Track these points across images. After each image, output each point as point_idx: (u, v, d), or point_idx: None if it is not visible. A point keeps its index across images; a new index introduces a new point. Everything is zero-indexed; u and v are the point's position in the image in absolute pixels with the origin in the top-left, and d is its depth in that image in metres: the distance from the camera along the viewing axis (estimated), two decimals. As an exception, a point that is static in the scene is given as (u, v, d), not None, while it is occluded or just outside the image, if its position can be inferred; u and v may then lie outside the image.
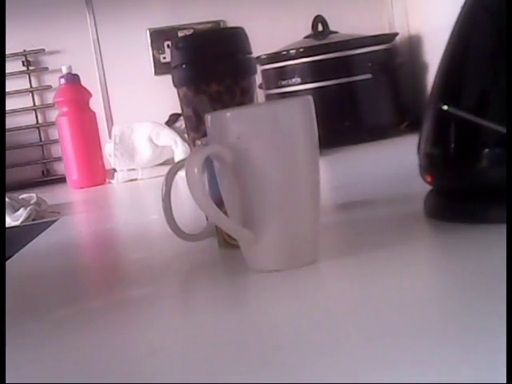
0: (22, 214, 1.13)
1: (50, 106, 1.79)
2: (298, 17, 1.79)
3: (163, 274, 0.63)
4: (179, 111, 0.72)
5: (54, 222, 1.08)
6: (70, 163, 1.56)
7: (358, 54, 1.59)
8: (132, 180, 1.54)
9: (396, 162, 1.16)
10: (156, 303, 0.54)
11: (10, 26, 1.73)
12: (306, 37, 1.69)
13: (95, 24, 1.81)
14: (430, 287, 0.49)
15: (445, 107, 0.61)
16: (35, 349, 0.48)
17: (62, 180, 1.70)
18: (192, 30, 1.79)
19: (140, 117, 1.60)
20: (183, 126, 1.43)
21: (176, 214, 0.62)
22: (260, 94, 1.43)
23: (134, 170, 1.55)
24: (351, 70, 1.59)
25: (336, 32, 1.68)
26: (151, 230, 0.88)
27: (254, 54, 0.75)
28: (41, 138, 1.83)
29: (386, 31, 1.81)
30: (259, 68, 1.62)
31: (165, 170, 0.65)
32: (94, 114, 1.58)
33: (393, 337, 0.39)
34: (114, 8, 1.80)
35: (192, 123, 0.69)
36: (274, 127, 0.54)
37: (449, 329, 0.40)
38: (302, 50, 1.60)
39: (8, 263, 0.80)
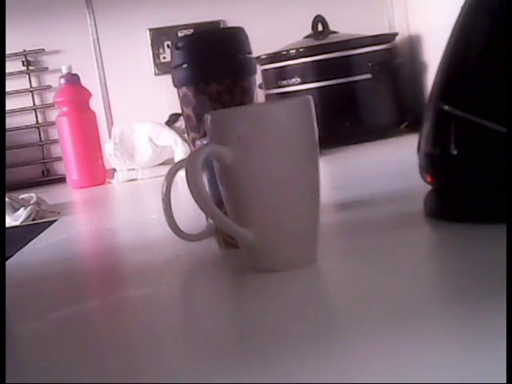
0: (22, 213, 1.13)
1: (50, 106, 1.79)
2: (298, 17, 1.79)
3: (163, 274, 0.63)
4: (179, 111, 0.72)
5: (53, 222, 1.08)
6: (69, 163, 1.56)
7: (357, 54, 1.59)
8: (132, 180, 1.54)
9: (396, 162, 1.16)
10: (156, 303, 0.54)
11: (10, 26, 1.73)
12: (306, 37, 1.69)
13: (95, 24, 1.81)
14: (430, 287, 0.49)
15: (445, 107, 0.62)
16: (35, 349, 0.48)
17: (62, 180, 1.70)
18: (192, 30, 1.79)
19: (140, 117, 1.60)
20: (183, 126, 1.43)
21: (176, 214, 0.62)
22: (260, 94, 1.43)
23: (133, 169, 1.55)
24: (351, 70, 1.59)
25: (336, 32, 1.68)
26: (151, 229, 0.88)
27: (254, 54, 0.75)
28: (41, 138, 1.83)
29: (386, 31, 1.81)
30: (259, 68, 1.62)
31: (165, 170, 0.65)
32: (93, 114, 1.58)
33: (392, 337, 0.39)
34: (114, 8, 1.80)
35: (192, 123, 0.69)
36: (273, 127, 0.54)
37: (448, 329, 0.40)
38: (301, 49, 1.60)
39: (8, 263, 0.80)
